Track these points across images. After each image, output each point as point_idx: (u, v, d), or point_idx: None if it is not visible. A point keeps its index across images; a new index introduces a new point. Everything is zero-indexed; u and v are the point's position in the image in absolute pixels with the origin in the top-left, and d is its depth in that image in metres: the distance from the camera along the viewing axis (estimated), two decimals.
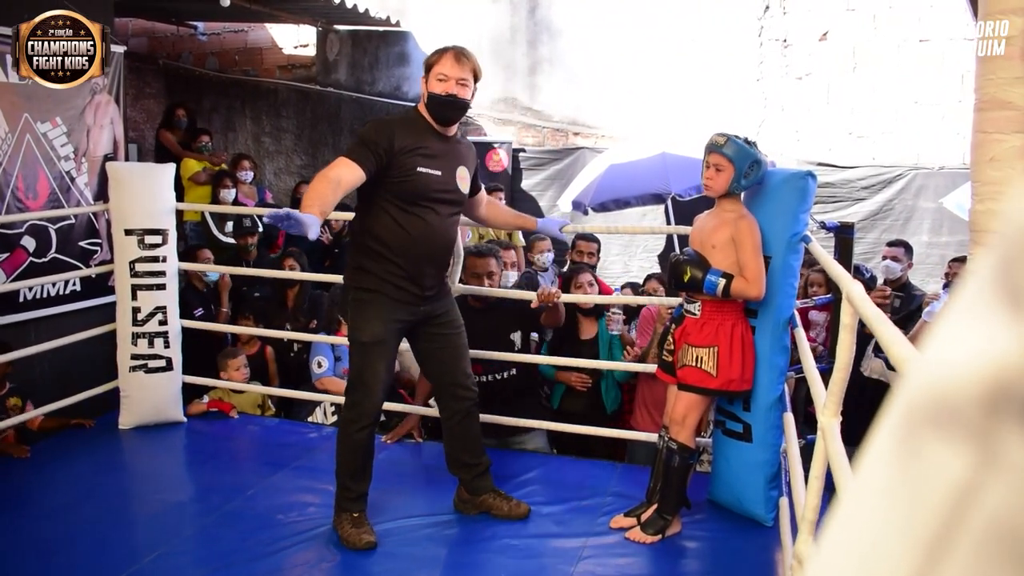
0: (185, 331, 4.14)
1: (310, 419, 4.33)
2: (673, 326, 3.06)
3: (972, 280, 0.30)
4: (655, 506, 2.98)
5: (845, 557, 0.32)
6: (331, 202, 2.57)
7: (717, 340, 2.85)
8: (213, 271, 5.15)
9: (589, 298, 3.93)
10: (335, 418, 4.28)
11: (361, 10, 6.94)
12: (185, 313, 4.25)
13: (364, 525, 2.89)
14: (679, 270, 2.86)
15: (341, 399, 4.19)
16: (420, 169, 2.77)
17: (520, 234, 5.77)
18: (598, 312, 4.03)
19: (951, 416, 0.29)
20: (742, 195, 2.93)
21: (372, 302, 2.83)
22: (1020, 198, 0.28)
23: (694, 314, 2.92)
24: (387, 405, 3.74)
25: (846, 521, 0.33)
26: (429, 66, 2.83)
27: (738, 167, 2.82)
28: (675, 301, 3.12)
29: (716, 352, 2.84)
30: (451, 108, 2.81)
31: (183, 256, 5.28)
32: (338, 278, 4.80)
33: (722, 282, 2.79)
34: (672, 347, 3.02)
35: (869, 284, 4.09)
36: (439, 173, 2.82)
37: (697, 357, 2.87)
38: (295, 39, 8.39)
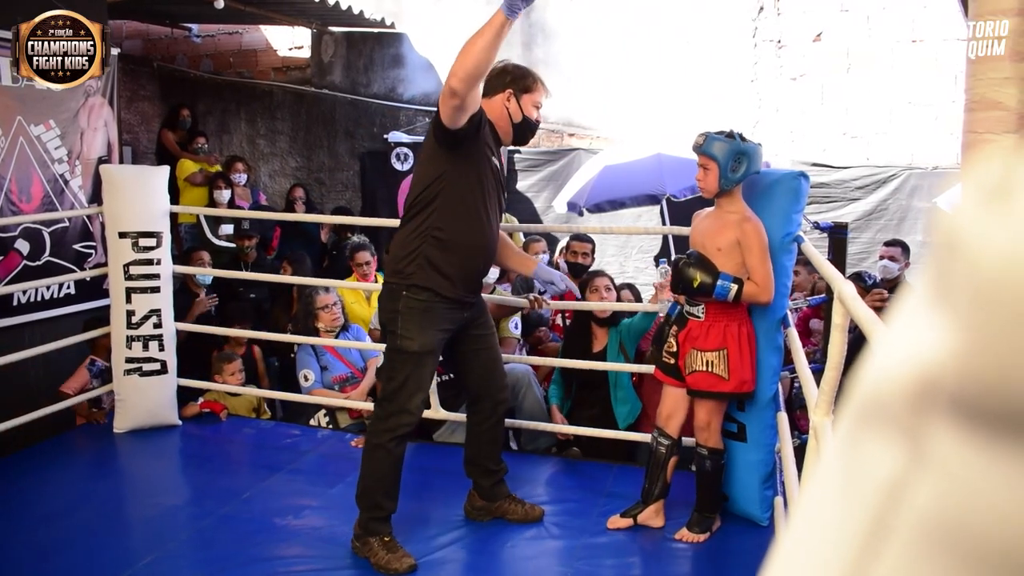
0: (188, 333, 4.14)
1: (311, 423, 4.33)
2: (674, 328, 2.99)
3: (917, 285, 0.30)
4: (652, 507, 3.02)
5: (796, 551, 0.33)
6: None
7: (726, 343, 2.81)
8: (209, 274, 5.14)
9: (580, 305, 3.87)
10: (330, 428, 4.28)
11: (356, 12, 6.94)
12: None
13: (399, 548, 2.77)
14: (687, 275, 2.78)
15: (336, 403, 4.21)
16: (493, 159, 2.81)
17: (521, 233, 5.78)
18: (613, 321, 3.90)
19: (884, 414, 0.29)
20: (740, 192, 2.85)
21: (428, 310, 2.74)
22: (955, 208, 0.28)
23: (698, 317, 2.87)
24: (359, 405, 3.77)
25: (800, 516, 0.34)
26: (524, 89, 2.85)
27: (722, 163, 2.76)
28: (656, 307, 3.10)
29: (726, 355, 2.80)
30: (532, 134, 2.98)
31: (180, 259, 5.28)
32: (336, 283, 4.83)
33: (734, 288, 2.73)
34: (673, 349, 2.96)
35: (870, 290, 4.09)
36: (498, 166, 2.87)
37: (707, 361, 2.83)
38: (290, 41, 8.38)
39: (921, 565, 0.27)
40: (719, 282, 2.74)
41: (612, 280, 4.11)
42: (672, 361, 2.97)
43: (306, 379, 4.33)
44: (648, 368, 3.70)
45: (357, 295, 5.13)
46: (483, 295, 3.64)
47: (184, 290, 5.27)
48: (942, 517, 0.27)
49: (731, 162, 2.76)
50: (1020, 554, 0.25)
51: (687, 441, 3.11)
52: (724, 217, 2.84)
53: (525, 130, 2.91)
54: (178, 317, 4.23)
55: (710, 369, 2.83)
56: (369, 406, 4.14)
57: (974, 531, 0.26)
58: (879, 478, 0.29)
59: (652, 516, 3.03)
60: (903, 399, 0.29)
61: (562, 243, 5.52)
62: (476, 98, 2.59)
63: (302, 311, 4.53)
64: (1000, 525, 0.26)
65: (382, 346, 4.30)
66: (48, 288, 4.50)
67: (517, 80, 2.85)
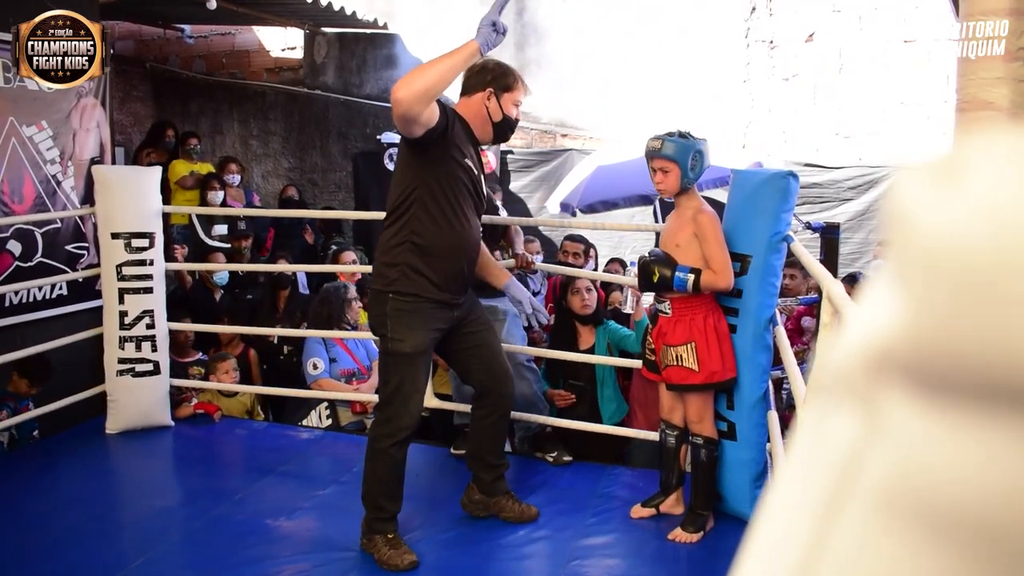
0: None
1: (304, 422, 4.31)
2: (651, 325, 3.09)
3: (884, 263, 0.31)
4: (673, 496, 3.08)
5: (767, 521, 0.33)
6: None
7: (692, 336, 2.88)
8: (223, 269, 5.15)
9: (567, 270, 3.89)
10: (329, 421, 4.27)
11: (348, 12, 6.94)
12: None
13: (402, 545, 2.81)
14: (648, 270, 2.89)
15: (337, 396, 4.20)
16: (467, 161, 2.78)
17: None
18: (596, 320, 3.92)
19: (844, 385, 0.30)
20: (695, 187, 2.95)
21: (415, 311, 2.74)
22: (908, 186, 0.29)
23: (666, 313, 2.95)
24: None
25: (773, 488, 0.34)
26: (504, 87, 2.85)
27: (682, 164, 2.84)
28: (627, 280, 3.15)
29: (694, 347, 2.87)
30: (512, 132, 2.98)
31: (197, 258, 5.34)
32: (330, 268, 4.84)
33: (691, 277, 2.81)
34: (651, 346, 3.05)
35: None
36: (476, 171, 2.85)
37: (677, 356, 2.90)
38: (282, 42, 8.38)
39: (878, 531, 0.28)
40: (676, 274, 2.82)
41: (593, 281, 4.12)
42: (653, 358, 3.06)
43: (315, 367, 4.31)
44: (636, 363, 3.72)
45: None
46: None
47: (202, 288, 5.32)
48: (897, 484, 0.28)
49: (690, 161, 2.85)
50: (970, 518, 0.26)
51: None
52: (683, 214, 2.93)
53: (505, 128, 2.92)
54: (196, 318, 4.23)
55: (680, 363, 2.90)
56: (375, 399, 4.16)
57: (927, 497, 0.27)
58: (838, 447, 0.30)
59: (673, 504, 3.10)
60: (860, 369, 0.30)
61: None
62: (431, 114, 2.57)
63: (336, 300, 4.51)
64: (951, 490, 0.27)
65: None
66: (40, 289, 4.49)
67: (498, 79, 2.85)
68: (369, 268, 5.07)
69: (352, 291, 4.49)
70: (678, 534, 2.95)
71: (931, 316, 0.27)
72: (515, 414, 3.78)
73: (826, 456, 0.31)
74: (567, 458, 3.64)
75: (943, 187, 0.28)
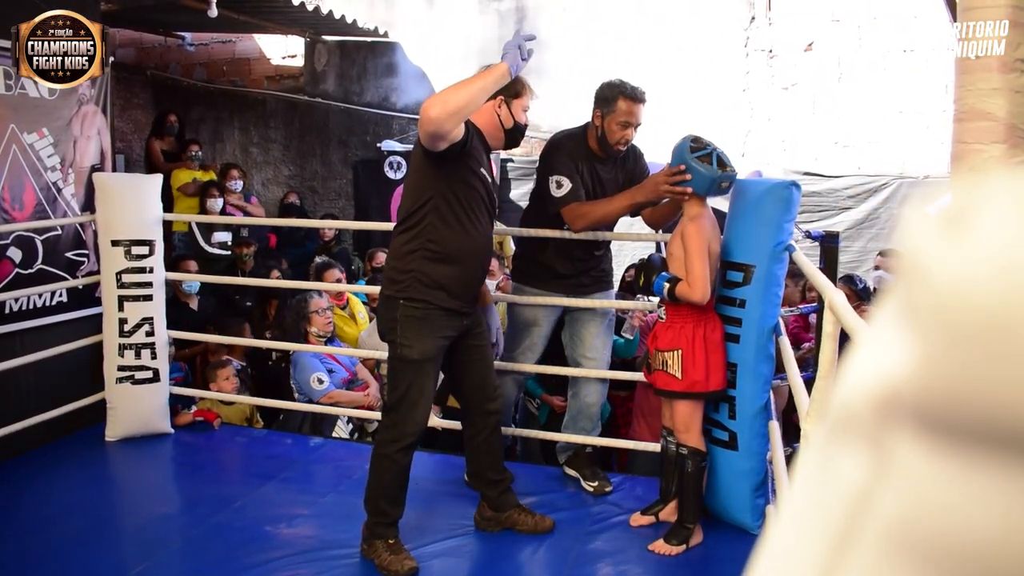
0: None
1: (334, 434, 4.26)
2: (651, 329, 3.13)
3: (889, 298, 0.32)
4: (672, 503, 3.06)
5: (772, 558, 0.34)
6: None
7: (679, 343, 2.89)
8: (200, 280, 5.14)
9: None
10: (351, 426, 4.26)
11: (349, 21, 6.96)
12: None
13: (402, 551, 2.82)
14: (638, 275, 3.00)
15: (355, 412, 4.19)
16: (482, 170, 2.83)
17: (511, 241, 5.77)
18: None
19: (852, 426, 0.31)
20: (703, 198, 2.94)
21: (425, 318, 2.75)
22: (918, 232, 0.29)
23: (661, 318, 2.99)
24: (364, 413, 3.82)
25: (778, 524, 0.35)
26: (514, 94, 2.93)
27: (672, 164, 2.94)
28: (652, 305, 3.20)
29: (680, 355, 2.88)
30: (522, 137, 3.07)
31: (169, 267, 5.28)
32: (317, 285, 4.83)
33: (667, 286, 2.86)
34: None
35: (861, 294, 4.10)
36: (490, 179, 2.90)
37: (664, 361, 2.92)
38: (283, 50, 8.39)
39: (886, 571, 0.28)
40: (656, 280, 2.89)
41: None
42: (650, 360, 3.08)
43: (320, 382, 4.26)
44: (635, 376, 3.71)
45: (344, 317, 5.17)
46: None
47: (174, 300, 5.27)
48: (905, 524, 0.28)
49: (677, 165, 2.93)
50: (977, 561, 0.26)
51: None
52: (681, 221, 2.99)
53: (516, 134, 2.99)
54: (169, 326, 4.23)
55: (665, 368, 2.92)
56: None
57: (935, 538, 0.27)
58: (847, 486, 0.30)
59: (672, 512, 3.08)
60: (869, 411, 0.30)
61: None
62: (458, 131, 2.63)
63: (292, 316, 4.52)
64: (959, 533, 0.27)
65: (369, 353, 4.31)
66: (40, 296, 4.49)
67: (507, 86, 2.85)
68: (355, 287, 5.09)
69: (315, 302, 4.46)
70: (659, 546, 2.93)
71: (940, 362, 0.28)
72: (516, 430, 3.78)
73: (833, 495, 0.31)
74: (608, 488, 3.44)
75: (952, 235, 0.28)
